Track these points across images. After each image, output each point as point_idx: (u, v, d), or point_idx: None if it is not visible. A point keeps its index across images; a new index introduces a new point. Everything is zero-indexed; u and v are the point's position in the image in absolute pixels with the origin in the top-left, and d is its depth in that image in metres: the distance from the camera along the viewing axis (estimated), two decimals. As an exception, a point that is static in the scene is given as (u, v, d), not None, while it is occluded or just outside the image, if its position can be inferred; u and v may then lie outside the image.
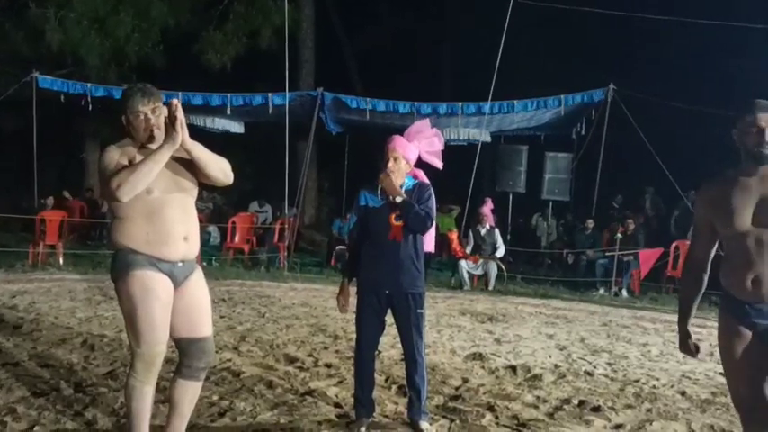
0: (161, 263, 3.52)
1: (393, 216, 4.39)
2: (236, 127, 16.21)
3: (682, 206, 14.29)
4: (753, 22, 14.10)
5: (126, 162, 3.46)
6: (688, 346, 3.35)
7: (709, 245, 3.32)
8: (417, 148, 4.50)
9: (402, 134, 4.53)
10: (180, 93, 12.44)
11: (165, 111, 3.49)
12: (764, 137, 3.07)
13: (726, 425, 4.79)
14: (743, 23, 14.36)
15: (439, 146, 4.62)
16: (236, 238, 14.47)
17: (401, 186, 4.42)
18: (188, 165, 3.63)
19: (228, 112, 14.49)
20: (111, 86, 14.50)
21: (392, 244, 4.37)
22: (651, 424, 4.81)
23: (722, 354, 3.27)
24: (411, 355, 4.46)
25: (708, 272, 3.35)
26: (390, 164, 4.38)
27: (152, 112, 3.47)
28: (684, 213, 14.33)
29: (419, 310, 4.44)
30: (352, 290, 4.57)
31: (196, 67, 17.05)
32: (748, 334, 3.14)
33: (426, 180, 4.57)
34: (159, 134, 3.50)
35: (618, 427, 4.75)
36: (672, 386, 5.84)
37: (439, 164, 4.62)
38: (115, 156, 3.48)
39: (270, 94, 14.27)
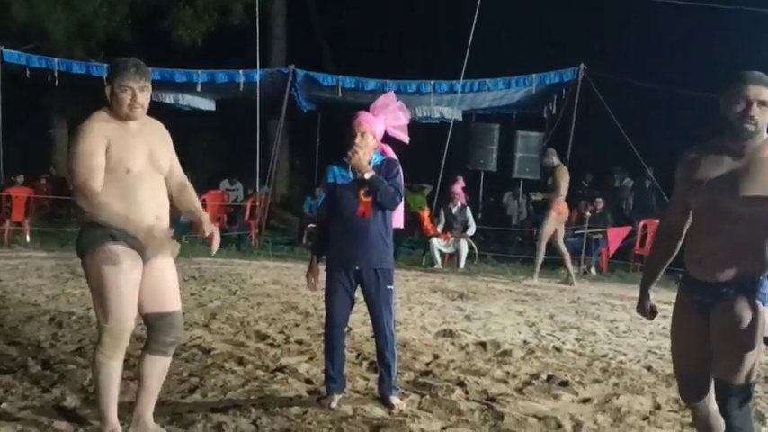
0: (132, 239, 3.50)
1: (362, 192, 4.39)
2: (207, 104, 16.04)
3: (644, 186, 14.48)
4: (724, 2, 14.23)
5: (104, 144, 3.41)
6: (644, 307, 3.37)
7: (682, 212, 3.27)
8: (383, 122, 4.49)
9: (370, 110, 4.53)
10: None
11: (150, 91, 3.52)
12: (750, 110, 2.95)
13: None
14: (714, 4, 14.49)
15: (404, 119, 4.60)
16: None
17: (369, 162, 4.42)
18: (165, 146, 3.65)
19: (198, 89, 14.34)
20: (79, 62, 14.27)
21: (361, 220, 4.39)
22: (618, 398, 4.89)
23: (671, 324, 3.31)
24: (381, 331, 4.48)
25: (680, 239, 3.30)
26: (357, 140, 4.37)
27: (140, 89, 3.45)
28: (647, 192, 14.52)
29: (388, 287, 4.46)
30: (322, 267, 4.57)
31: (166, 42, 16.81)
32: (694, 309, 3.15)
33: (394, 156, 4.57)
34: (141, 112, 3.49)
35: (585, 401, 4.82)
36: (638, 361, 5.94)
37: (405, 138, 4.61)
38: (93, 142, 3.43)
39: (240, 71, 14.13)
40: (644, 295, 3.39)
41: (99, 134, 3.45)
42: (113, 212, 3.41)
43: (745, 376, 3.00)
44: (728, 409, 3.06)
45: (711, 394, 3.21)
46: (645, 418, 4.52)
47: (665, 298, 4.78)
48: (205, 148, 18.77)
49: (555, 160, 10.84)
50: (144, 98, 3.50)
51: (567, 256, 10.69)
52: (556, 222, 10.52)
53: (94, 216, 3.42)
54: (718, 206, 3.03)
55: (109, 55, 14.28)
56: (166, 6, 16.96)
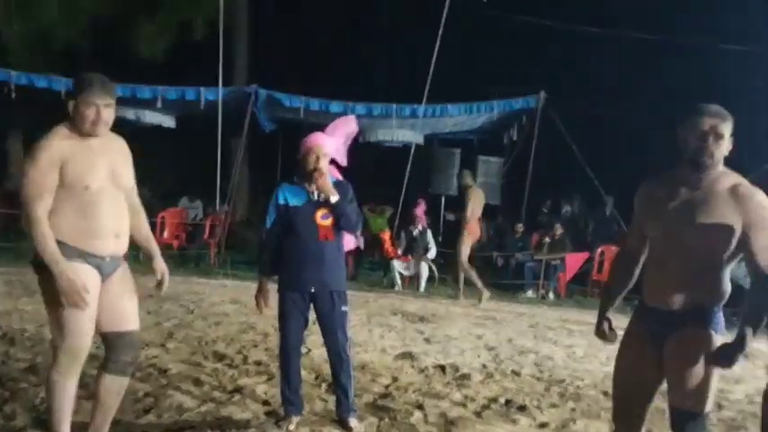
0: (89, 257, 3.45)
1: (319, 215, 4.35)
2: (168, 121, 15.89)
3: (603, 212, 14.69)
4: (681, 36, 14.62)
5: (58, 163, 3.35)
6: (603, 331, 3.39)
7: (640, 240, 3.31)
8: (336, 144, 4.48)
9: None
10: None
11: (114, 107, 3.48)
12: (707, 143, 3.00)
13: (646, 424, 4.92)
14: (671, 37, 14.88)
15: (348, 143, 4.58)
16: (165, 234, 14.21)
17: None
18: (127, 164, 3.62)
19: (159, 105, 14.22)
20: (38, 75, 14.06)
21: (320, 243, 4.35)
22: (575, 423, 4.92)
23: (619, 349, 3.33)
24: (336, 354, 4.44)
25: (638, 267, 3.34)
26: (321, 163, 4.34)
27: (105, 106, 3.41)
28: (605, 220, 14.74)
29: (343, 308, 4.44)
30: (271, 288, 4.53)
31: (126, 57, 16.66)
32: (647, 337, 3.18)
33: (340, 176, 4.57)
34: (105, 129, 3.45)
35: (543, 425, 4.84)
36: (595, 386, 5.98)
37: (344, 161, 4.56)
38: (46, 161, 3.36)
39: (202, 89, 14.06)
40: (602, 320, 3.42)
41: (54, 152, 3.38)
42: (50, 249, 3.33)
43: (699, 405, 3.04)
44: None
45: (641, 426, 3.27)
46: (601, 443, 4.55)
47: (621, 324, 4.84)
48: (164, 165, 18.55)
49: (469, 181, 11.16)
50: (108, 115, 3.45)
51: (474, 274, 10.93)
52: (469, 243, 10.80)
53: (34, 234, 3.35)
54: (675, 237, 3.07)
55: (68, 68, 14.06)
56: (127, 20, 16.82)
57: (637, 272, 3.38)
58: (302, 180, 4.40)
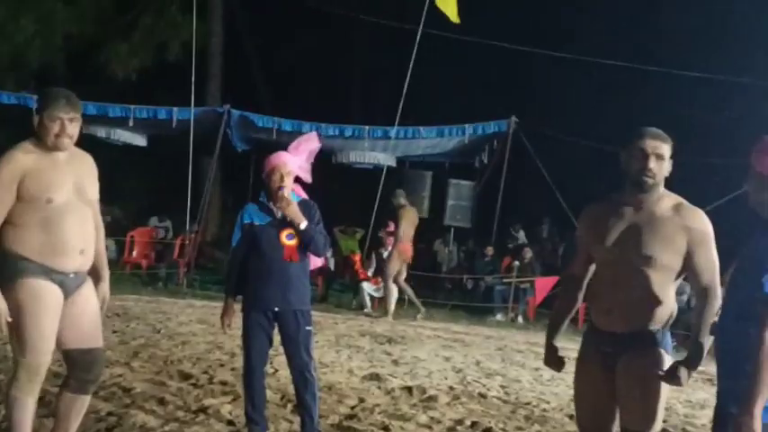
0: (53, 273, 3.43)
1: (283, 235, 4.35)
2: (139, 140, 15.79)
3: (572, 236, 14.81)
4: (651, 62, 14.90)
5: (17, 177, 3.34)
6: (552, 360, 3.41)
7: (584, 264, 3.34)
8: (299, 162, 4.49)
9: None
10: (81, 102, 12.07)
11: (80, 122, 3.47)
12: (648, 163, 3.05)
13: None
14: (640, 65, 15.15)
15: (311, 160, 4.58)
16: (135, 253, 14.10)
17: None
18: (92, 179, 3.60)
19: (131, 123, 14.15)
20: (9, 93, 13.95)
21: (284, 263, 4.35)
22: (540, 445, 4.95)
23: (575, 375, 3.35)
24: (300, 374, 4.43)
25: (582, 290, 3.38)
26: (286, 181, 4.35)
27: (70, 120, 3.40)
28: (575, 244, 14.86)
29: (307, 327, 4.44)
30: (237, 307, 4.52)
31: (100, 76, 16.61)
32: (598, 360, 3.20)
33: (305, 195, 4.59)
34: (69, 143, 3.44)
35: (508, 447, 4.87)
36: (561, 409, 6.02)
37: (308, 178, 4.57)
38: (4, 175, 3.35)
39: (174, 108, 14.02)
40: (551, 347, 3.43)
41: (14, 166, 3.38)
42: None
43: (650, 425, 3.08)
44: None
45: None
46: (565, 466, 4.58)
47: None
48: (135, 184, 18.47)
49: (402, 201, 11.34)
50: (73, 129, 3.45)
51: (410, 292, 11.49)
52: (398, 262, 11.16)
53: None
54: (621, 259, 3.12)
55: (41, 87, 14.00)
56: (102, 40, 16.78)
57: (581, 296, 3.42)
58: (267, 200, 4.41)
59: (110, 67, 16.63)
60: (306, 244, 4.38)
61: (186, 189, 13.59)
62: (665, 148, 3.10)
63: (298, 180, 4.54)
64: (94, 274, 3.69)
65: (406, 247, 11.18)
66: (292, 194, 4.44)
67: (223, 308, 4.57)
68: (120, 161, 15.73)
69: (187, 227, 14.32)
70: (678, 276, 3.12)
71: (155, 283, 13.06)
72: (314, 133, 4.83)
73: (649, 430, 3.07)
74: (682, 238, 3.05)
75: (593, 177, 15.95)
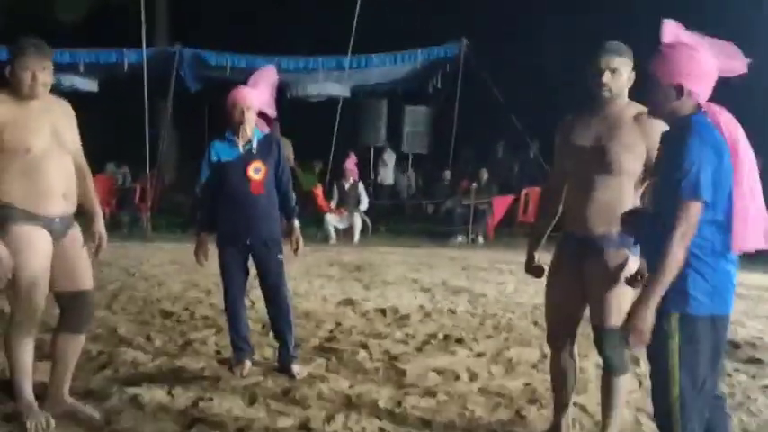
0: (39, 219, 3.56)
1: (250, 169, 4.50)
2: (90, 85, 15.56)
3: (527, 156, 15.17)
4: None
5: None
6: (531, 268, 3.72)
7: (561, 176, 3.60)
8: (261, 97, 4.60)
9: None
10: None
11: (52, 69, 3.55)
12: (602, 78, 3.29)
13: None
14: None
15: (273, 94, 4.69)
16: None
17: (252, 138, 4.53)
18: (70, 125, 3.71)
19: (81, 69, 13.93)
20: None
21: (252, 196, 4.52)
22: (509, 350, 5.31)
23: (547, 278, 3.65)
24: (275, 302, 4.66)
25: (561, 202, 3.64)
26: (247, 116, 4.47)
27: (41, 69, 3.50)
28: (530, 163, 15.22)
29: (279, 256, 4.63)
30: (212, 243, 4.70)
31: (43, 23, 16.19)
32: (570, 263, 3.49)
33: (267, 129, 4.74)
34: (43, 91, 3.54)
35: (480, 355, 5.21)
36: (526, 317, 6.40)
37: (273, 112, 4.71)
38: None
39: (125, 50, 13.82)
40: (530, 256, 3.73)
41: None
42: None
43: (617, 320, 3.32)
44: (605, 351, 3.45)
45: (572, 345, 3.62)
46: (533, 366, 4.95)
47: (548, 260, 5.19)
48: (89, 131, 18.15)
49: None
50: (45, 77, 3.53)
51: None
52: None
53: None
54: (588, 165, 3.38)
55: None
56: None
57: (560, 207, 3.68)
58: (232, 135, 4.55)
59: (54, 14, 16.21)
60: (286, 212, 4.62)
61: (142, 133, 13.52)
62: (620, 62, 3.32)
63: (262, 116, 4.69)
64: (87, 215, 3.83)
65: None
66: (256, 130, 4.59)
67: (196, 244, 4.74)
68: (73, 108, 15.50)
69: (148, 171, 14.29)
70: (643, 182, 3.38)
71: (119, 230, 13.09)
72: (271, 67, 4.91)
73: (614, 324, 3.29)
74: (641, 145, 3.31)
75: (546, 98, 16.23)
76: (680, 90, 2.64)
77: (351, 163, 12.88)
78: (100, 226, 3.82)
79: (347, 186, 12.74)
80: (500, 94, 13.84)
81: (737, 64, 2.71)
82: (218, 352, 5.08)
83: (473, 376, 4.69)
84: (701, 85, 2.65)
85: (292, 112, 15.67)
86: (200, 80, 15.22)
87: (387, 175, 16.22)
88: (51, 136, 3.58)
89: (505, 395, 4.37)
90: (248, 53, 14.06)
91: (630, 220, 2.99)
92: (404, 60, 15.10)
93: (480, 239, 12.90)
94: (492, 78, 13.91)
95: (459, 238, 12.93)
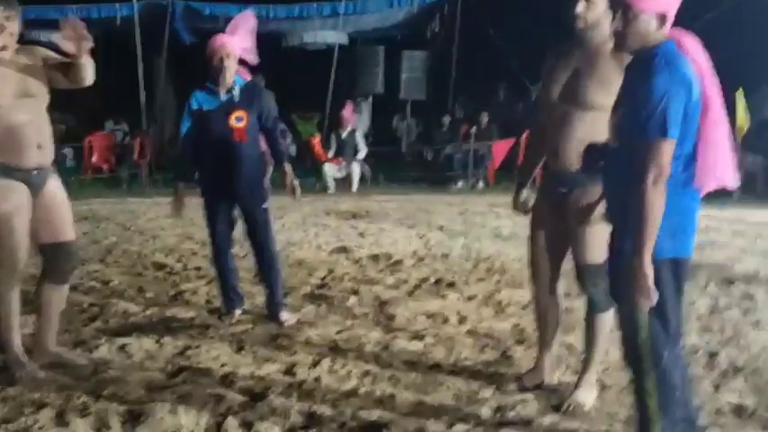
0: (15, 171, 3.53)
1: (232, 118, 4.45)
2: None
3: (528, 99, 15.00)
4: None
5: None
6: (518, 204, 3.71)
7: (546, 113, 3.50)
8: (241, 43, 4.52)
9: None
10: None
11: (18, 19, 3.47)
12: (576, 9, 3.20)
13: (565, 289, 5.33)
14: None
15: (252, 40, 4.60)
16: (95, 158, 14.05)
17: (233, 85, 4.46)
18: (37, 70, 3.62)
19: (72, 25, 13.77)
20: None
21: (236, 144, 4.47)
22: (500, 293, 5.32)
23: (531, 216, 3.63)
24: (261, 250, 4.64)
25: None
26: (226, 63, 4.39)
27: (6, 19, 3.44)
28: (530, 106, 15.04)
29: (263, 205, 4.60)
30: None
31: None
32: (549, 200, 3.46)
33: (249, 76, 4.67)
34: (10, 41, 3.48)
35: (471, 298, 5.22)
36: (520, 260, 6.34)
37: (254, 59, 4.62)
38: None
39: (117, 5, 13.66)
40: (518, 192, 3.71)
41: None
42: None
43: (596, 256, 3.26)
44: (588, 287, 3.42)
45: (555, 284, 3.60)
46: (523, 308, 4.94)
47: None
48: (85, 89, 18.09)
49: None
50: (11, 26, 3.46)
51: None
52: None
53: None
54: (569, 99, 3.31)
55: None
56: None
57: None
58: (212, 84, 4.49)
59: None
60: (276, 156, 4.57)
61: (137, 89, 13.42)
62: None
63: (243, 63, 4.62)
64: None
65: None
66: (237, 78, 4.52)
67: (173, 194, 4.72)
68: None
69: (144, 127, 14.23)
70: None
71: (118, 186, 13.11)
72: (249, 11, 4.82)
73: (596, 260, 3.25)
74: (617, 79, 3.23)
75: (546, 38, 15.99)
76: (663, 18, 2.52)
77: (348, 111, 12.77)
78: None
79: (344, 135, 12.66)
80: (499, 37, 13.64)
81: None
82: (208, 302, 5.10)
83: (462, 319, 4.70)
84: (674, 11, 2.55)
85: (288, 62, 15.54)
86: (193, 32, 15.04)
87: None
88: (18, 86, 3.52)
89: (493, 336, 4.38)
90: (241, 3, 13.85)
91: (590, 156, 2.93)
92: (400, 4, 14.89)
93: (480, 184, 12.86)
94: (492, 20, 13.68)
95: (460, 184, 12.89)
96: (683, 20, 2.59)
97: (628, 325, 2.64)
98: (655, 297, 2.47)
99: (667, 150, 2.44)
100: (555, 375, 3.70)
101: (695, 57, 2.51)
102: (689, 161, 2.53)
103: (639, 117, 2.46)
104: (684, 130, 2.47)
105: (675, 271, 2.57)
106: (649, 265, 2.45)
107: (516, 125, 15.06)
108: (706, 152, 2.52)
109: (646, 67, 2.50)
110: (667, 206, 2.46)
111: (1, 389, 3.48)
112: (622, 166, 2.55)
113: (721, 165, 2.53)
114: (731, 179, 2.58)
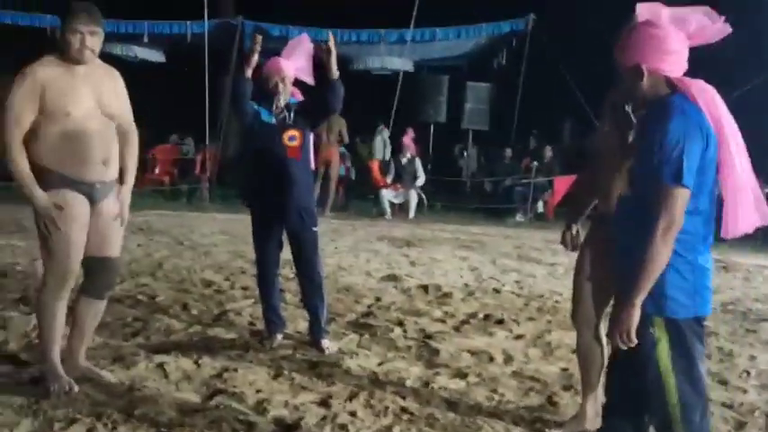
0: (78, 184, 3.54)
1: (286, 137, 4.42)
2: (156, 56, 15.78)
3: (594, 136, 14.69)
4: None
5: (36, 91, 3.42)
6: (566, 241, 3.56)
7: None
8: (296, 65, 4.51)
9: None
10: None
11: (102, 36, 3.54)
12: None
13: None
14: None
15: (309, 61, 4.55)
16: (157, 170, 14.28)
17: (287, 107, 4.44)
18: (116, 92, 3.68)
19: (146, 39, 14.11)
20: (20, 13, 13.92)
21: (289, 162, 4.43)
22: (550, 333, 5.11)
23: (578, 254, 3.49)
24: (308, 275, 4.56)
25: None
26: (281, 87, 4.39)
27: (90, 33, 3.47)
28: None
29: (313, 228, 4.53)
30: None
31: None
32: (599, 241, 3.29)
33: (301, 97, 4.64)
34: (90, 56, 3.51)
35: (519, 337, 5.03)
36: (573, 301, 6.16)
37: (310, 80, 4.58)
38: (24, 92, 3.42)
39: (188, 23, 13.94)
40: (568, 228, 3.57)
41: (34, 78, 3.46)
42: (21, 172, 3.45)
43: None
44: None
45: (598, 325, 3.44)
46: (573, 351, 4.70)
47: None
48: (154, 102, 18.48)
49: None
50: (94, 42, 3.51)
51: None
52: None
53: (9, 157, 3.45)
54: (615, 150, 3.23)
55: (47, 6, 13.89)
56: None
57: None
58: (268, 105, 4.46)
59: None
60: (334, 95, 4.37)
61: (203, 105, 13.62)
62: None
63: (297, 83, 4.60)
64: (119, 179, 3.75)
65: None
66: (291, 99, 4.50)
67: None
68: (137, 78, 15.69)
69: (207, 143, 14.42)
70: None
71: (178, 199, 13.28)
72: (304, 35, 4.81)
73: None
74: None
75: (616, 74, 15.71)
76: (638, 70, 2.40)
77: (408, 138, 12.74)
78: (124, 195, 3.76)
79: (404, 161, 12.61)
80: (568, 72, 13.44)
81: (715, 28, 2.43)
82: (251, 323, 5.03)
83: (508, 359, 4.52)
84: (664, 62, 2.40)
85: (352, 86, 15.60)
86: (262, 52, 15.20)
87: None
88: (94, 101, 3.55)
89: (540, 380, 4.19)
90: (310, 25, 13.98)
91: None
92: (468, 35, 14.86)
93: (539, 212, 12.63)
94: (562, 56, 13.50)
95: (518, 217, 12.69)
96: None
97: (654, 390, 2.46)
98: (634, 342, 2.38)
99: (681, 199, 2.30)
100: (599, 423, 3.50)
101: (706, 105, 2.36)
102: (708, 218, 2.40)
103: (653, 162, 2.31)
104: (700, 182, 2.32)
105: (697, 330, 2.45)
106: (637, 313, 2.36)
107: (581, 161, 14.84)
108: (730, 203, 2.39)
109: (660, 113, 2.37)
110: (685, 266, 2.37)
111: (34, 401, 3.45)
112: (635, 215, 2.41)
113: (746, 214, 2.40)
114: (754, 224, 2.43)
